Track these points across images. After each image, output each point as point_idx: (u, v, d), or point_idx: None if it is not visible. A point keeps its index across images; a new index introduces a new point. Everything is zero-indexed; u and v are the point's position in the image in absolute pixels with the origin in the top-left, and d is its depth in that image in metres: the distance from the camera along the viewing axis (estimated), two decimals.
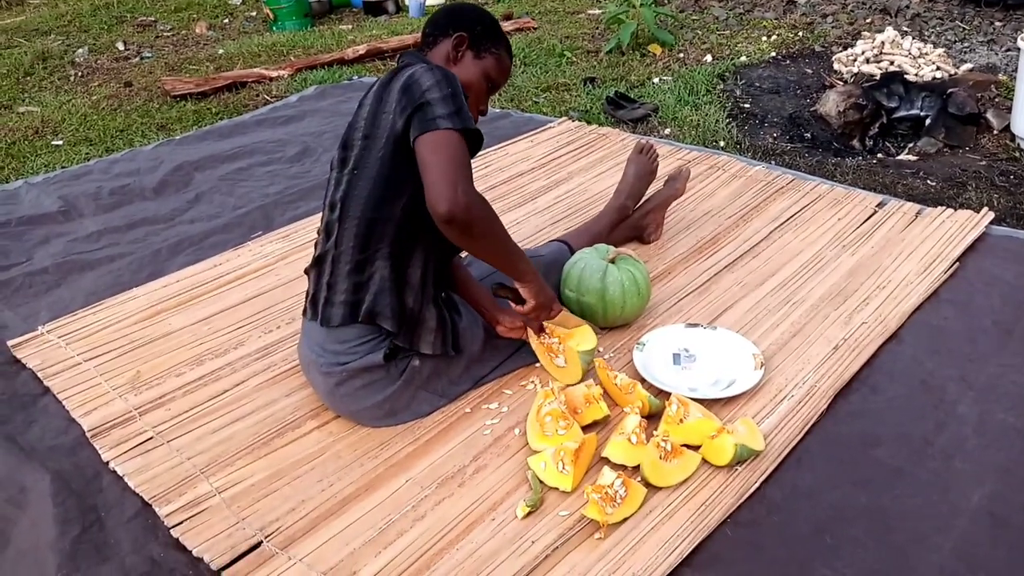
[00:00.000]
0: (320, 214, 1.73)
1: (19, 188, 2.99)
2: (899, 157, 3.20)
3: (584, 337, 1.78)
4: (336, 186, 1.65)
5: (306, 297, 1.74)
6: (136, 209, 2.82)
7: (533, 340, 1.77)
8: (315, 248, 1.72)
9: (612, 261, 1.96)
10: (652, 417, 1.66)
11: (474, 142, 1.55)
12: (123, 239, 2.62)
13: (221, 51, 5.06)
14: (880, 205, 2.51)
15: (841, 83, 3.62)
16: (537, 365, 1.86)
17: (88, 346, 2.04)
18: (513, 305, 1.73)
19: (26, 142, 3.69)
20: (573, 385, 1.73)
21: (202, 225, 2.67)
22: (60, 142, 3.68)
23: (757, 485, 1.52)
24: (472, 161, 1.52)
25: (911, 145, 3.26)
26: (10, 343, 2.06)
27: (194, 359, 1.98)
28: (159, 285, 2.30)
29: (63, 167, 3.30)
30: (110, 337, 2.07)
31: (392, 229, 1.60)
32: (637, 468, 1.54)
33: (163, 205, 2.84)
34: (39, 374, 1.95)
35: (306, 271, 1.75)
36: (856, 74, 3.69)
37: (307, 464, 1.64)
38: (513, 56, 1.76)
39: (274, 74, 4.32)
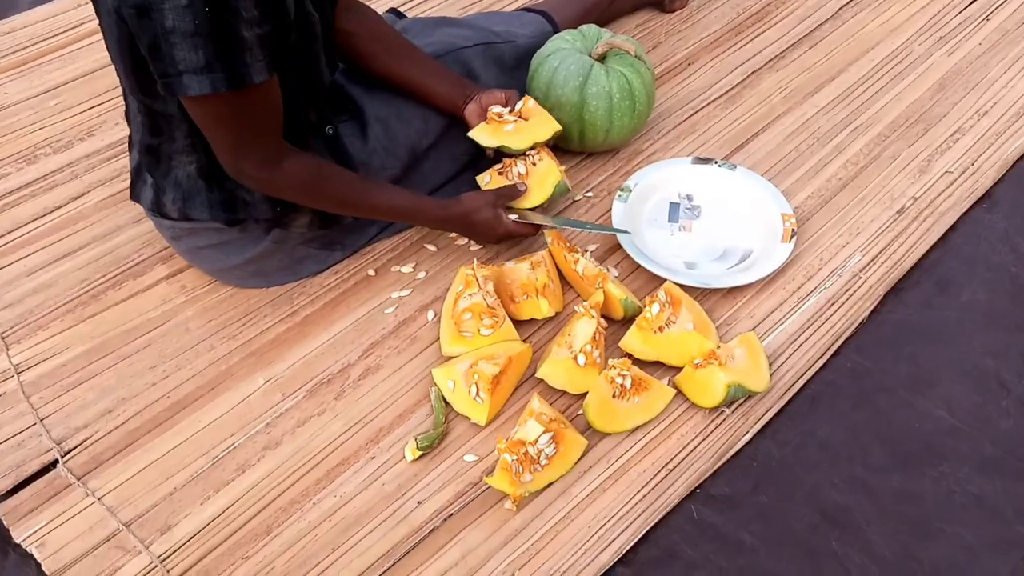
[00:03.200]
0: None
1: None
2: None
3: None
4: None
5: None
6: None
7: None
8: None
9: (601, 59, 1.34)
10: (627, 322, 1.18)
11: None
12: None
13: None
14: None
15: None
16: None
17: None
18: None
19: None
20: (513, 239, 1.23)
21: None
22: None
23: (748, 438, 1.08)
24: None
25: None
26: None
27: (27, 153, 1.46)
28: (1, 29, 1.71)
29: None
30: None
31: (178, 118, 1.03)
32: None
33: None
34: None
35: None
36: None
37: (142, 337, 1.20)
38: None
39: None
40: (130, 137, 1.15)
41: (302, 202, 1.11)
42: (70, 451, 1.08)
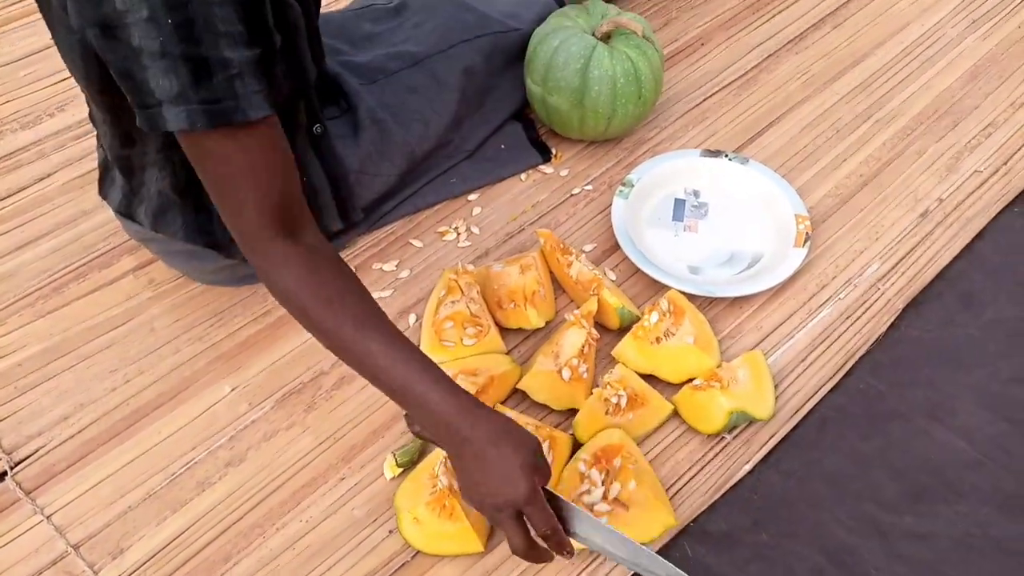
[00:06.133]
0: None
1: None
2: None
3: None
4: None
5: None
6: None
7: None
8: None
9: (605, 38, 1.24)
10: (623, 332, 1.09)
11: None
12: None
13: None
14: None
15: None
16: (470, 198, 1.26)
17: None
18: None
19: None
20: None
21: None
22: None
23: (750, 467, 0.99)
24: None
25: None
26: None
27: None
28: None
29: None
30: None
31: (151, 136, 0.91)
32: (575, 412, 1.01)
33: None
34: None
35: None
36: None
37: (105, 335, 1.12)
38: None
39: None
40: (97, 136, 1.05)
41: (307, 312, 0.79)
42: (21, 462, 1.01)
